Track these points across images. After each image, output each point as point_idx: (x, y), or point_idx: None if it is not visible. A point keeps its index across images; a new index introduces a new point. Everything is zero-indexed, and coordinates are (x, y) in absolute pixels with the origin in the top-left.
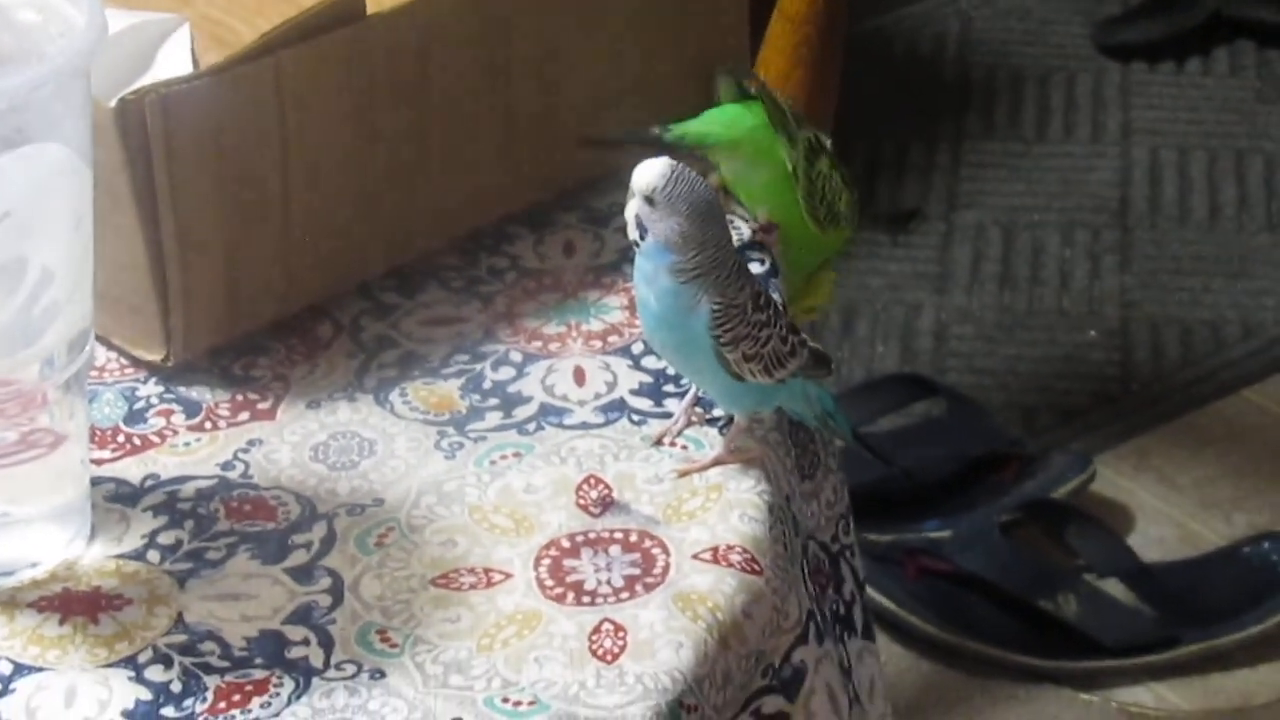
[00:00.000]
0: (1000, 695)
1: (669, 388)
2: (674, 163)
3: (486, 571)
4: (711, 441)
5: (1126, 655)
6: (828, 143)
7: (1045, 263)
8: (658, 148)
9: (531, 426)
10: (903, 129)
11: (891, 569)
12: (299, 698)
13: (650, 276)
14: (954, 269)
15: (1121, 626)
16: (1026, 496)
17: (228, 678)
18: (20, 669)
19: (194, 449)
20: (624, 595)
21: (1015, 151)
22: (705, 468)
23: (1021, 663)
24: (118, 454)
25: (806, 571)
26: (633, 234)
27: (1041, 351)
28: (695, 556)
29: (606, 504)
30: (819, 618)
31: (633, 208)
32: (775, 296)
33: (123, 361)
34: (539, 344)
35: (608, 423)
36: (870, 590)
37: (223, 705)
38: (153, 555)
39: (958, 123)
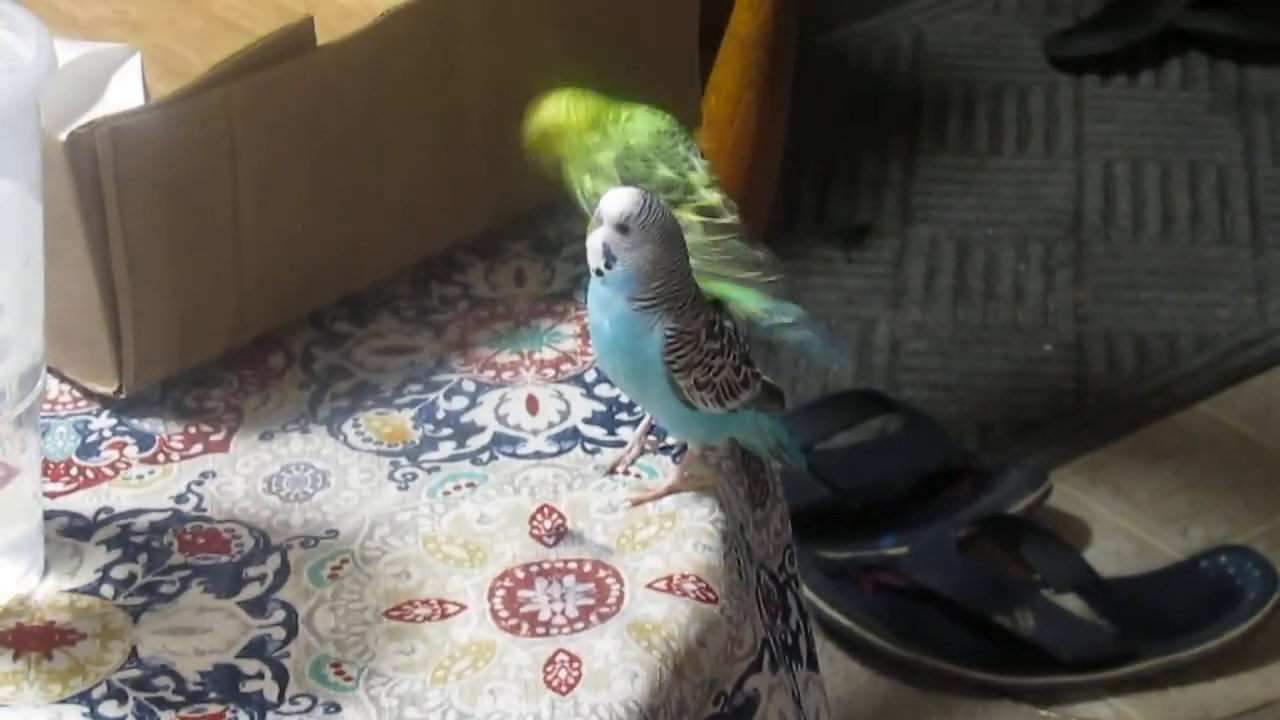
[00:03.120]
0: (958, 711)
1: (622, 416)
2: (643, 190)
3: (440, 603)
4: (665, 469)
5: (1084, 670)
6: None
7: (1000, 277)
8: None
9: (485, 456)
10: (855, 144)
11: (848, 585)
12: None
13: (606, 303)
14: (908, 284)
15: (1079, 641)
16: (982, 511)
17: (182, 712)
18: None
19: (147, 481)
20: (578, 625)
21: (969, 166)
22: (659, 495)
23: (979, 678)
24: (70, 487)
25: (760, 600)
26: (596, 261)
27: (996, 366)
28: (649, 585)
29: (560, 533)
30: (773, 646)
31: (599, 235)
32: (729, 325)
33: (75, 394)
34: (492, 373)
35: (561, 451)
36: (826, 607)
37: None
38: (106, 589)
39: (910, 137)
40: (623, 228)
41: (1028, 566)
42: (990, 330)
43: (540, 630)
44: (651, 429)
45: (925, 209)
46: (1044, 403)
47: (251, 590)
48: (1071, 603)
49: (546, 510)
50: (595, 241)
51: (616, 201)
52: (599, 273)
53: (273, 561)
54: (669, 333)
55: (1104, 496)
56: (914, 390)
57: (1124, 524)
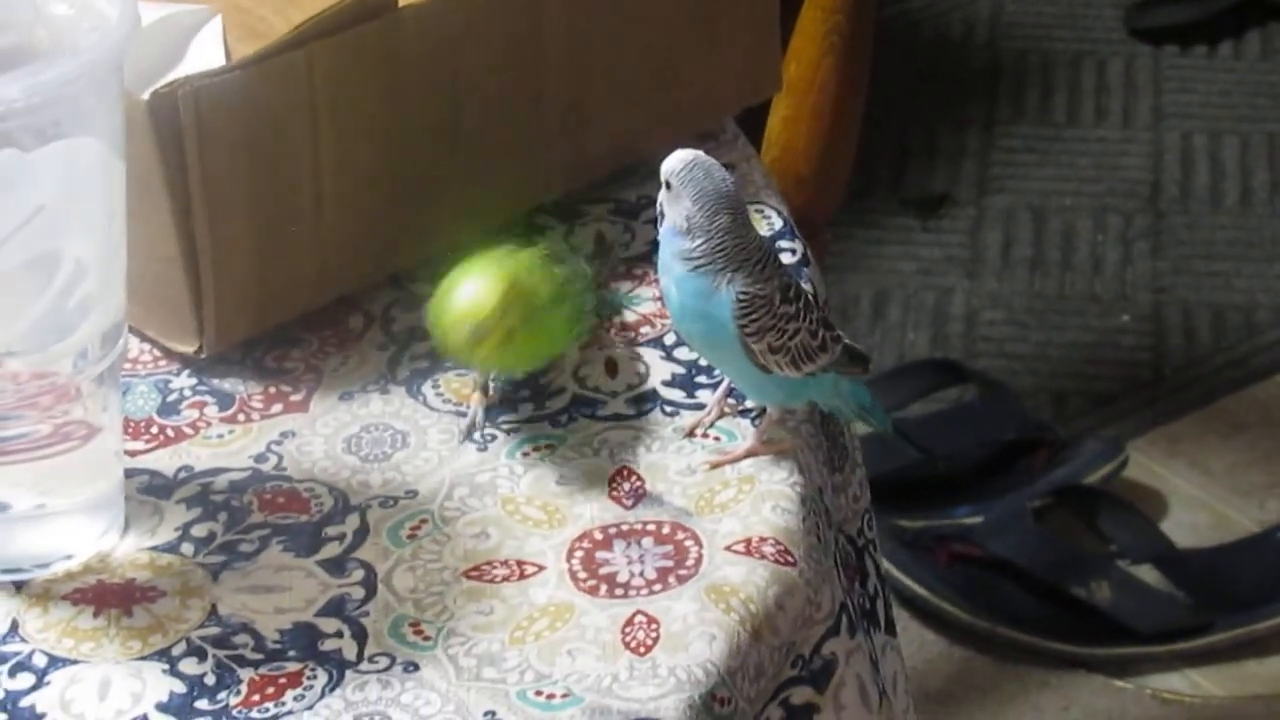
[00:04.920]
0: (1032, 682)
1: (701, 379)
2: (700, 153)
3: (519, 564)
4: (744, 433)
5: (1160, 641)
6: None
7: (1077, 248)
8: None
9: (564, 418)
10: (933, 114)
11: (923, 555)
12: (332, 690)
13: (667, 264)
14: (985, 254)
15: (1155, 612)
16: (1058, 482)
17: (261, 670)
18: (55, 661)
19: (227, 440)
20: (656, 587)
21: (1046, 136)
22: (738, 459)
23: (1054, 649)
24: (151, 445)
25: (839, 564)
26: (659, 220)
27: (1073, 337)
28: (728, 548)
29: (639, 496)
30: (851, 610)
31: (660, 195)
32: (807, 288)
33: (156, 353)
34: None
35: (640, 414)
36: (902, 576)
37: (256, 698)
38: (186, 547)
39: (988, 107)
40: (667, 184)
41: (1103, 538)
42: (1067, 301)
43: (619, 592)
44: (731, 392)
45: (1002, 179)
46: (1120, 374)
47: (330, 550)
48: (1147, 574)
49: (625, 472)
50: (658, 199)
51: (668, 160)
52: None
53: (352, 521)
54: (740, 296)
55: (1180, 468)
56: (990, 360)
57: (1200, 496)
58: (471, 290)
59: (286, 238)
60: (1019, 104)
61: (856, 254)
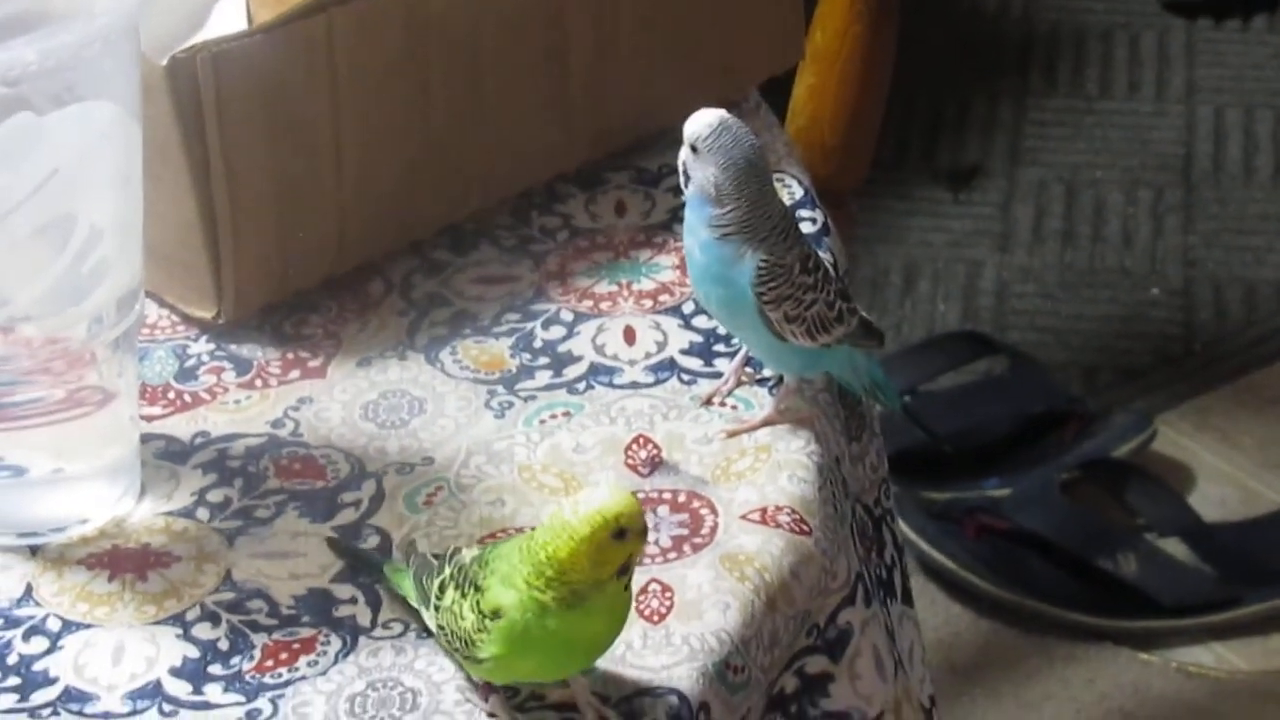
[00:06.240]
0: (1058, 654)
1: (719, 348)
2: (726, 115)
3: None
4: (761, 402)
5: (1186, 615)
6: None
7: (1108, 221)
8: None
9: (581, 386)
10: (966, 86)
11: (950, 527)
12: (346, 656)
13: (693, 228)
14: (1016, 227)
15: (1181, 586)
16: (1087, 455)
17: (275, 635)
18: (69, 625)
19: (244, 406)
20: (671, 555)
21: (1079, 109)
22: (754, 428)
23: (1080, 622)
24: (168, 411)
25: (855, 533)
26: (681, 181)
27: (1103, 310)
28: (743, 517)
29: (655, 464)
30: (867, 580)
31: (682, 154)
32: (827, 258)
33: (174, 319)
34: (590, 303)
35: (657, 382)
36: (929, 548)
37: (270, 663)
38: (202, 513)
39: (1021, 80)
40: (693, 147)
41: (1131, 511)
42: (1098, 274)
43: None
44: (748, 361)
45: (1034, 151)
46: (1151, 348)
47: (346, 516)
48: (1175, 548)
49: (642, 440)
50: (680, 160)
51: (693, 121)
52: (681, 193)
53: (368, 488)
54: (760, 264)
55: (1209, 442)
56: (1020, 334)
57: (1229, 470)
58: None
59: (306, 204)
60: (1052, 76)
61: (887, 225)
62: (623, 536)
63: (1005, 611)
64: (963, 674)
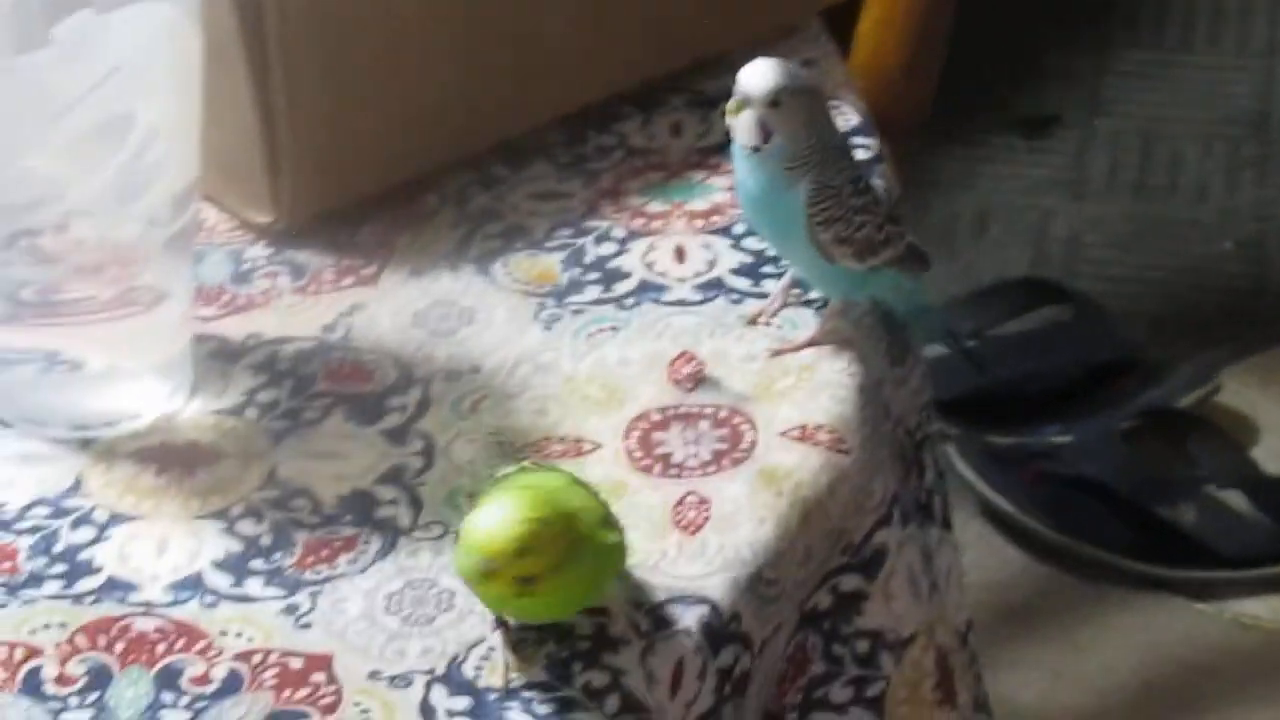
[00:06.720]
0: (1113, 601)
1: (768, 268)
2: (779, 60)
3: (577, 441)
4: (806, 323)
5: (1243, 566)
6: None
7: (1183, 173)
8: None
9: (630, 301)
10: (1045, 34)
11: (1010, 471)
12: (385, 556)
13: (755, 167)
14: (1090, 176)
15: (1239, 537)
16: (1149, 404)
17: (317, 534)
18: (115, 517)
19: (297, 310)
20: (710, 469)
21: (1158, 60)
22: (799, 348)
23: (1137, 569)
24: (222, 312)
25: (895, 456)
26: (751, 140)
27: (1174, 262)
28: (783, 434)
29: (698, 379)
30: (904, 502)
31: (750, 115)
32: (878, 183)
33: (232, 223)
34: (642, 221)
35: (705, 300)
36: (988, 490)
37: (310, 559)
38: (251, 412)
39: (1102, 29)
40: (774, 103)
41: (1192, 461)
42: (1170, 226)
43: (672, 471)
44: (796, 283)
45: (1111, 102)
46: (1219, 301)
47: (392, 420)
48: (1234, 499)
49: (686, 357)
50: (747, 121)
51: (763, 79)
52: (755, 149)
53: (415, 393)
54: (813, 186)
55: (1274, 396)
56: (1090, 283)
57: None
58: (494, 517)
59: (364, 112)
60: (1133, 27)
61: (960, 171)
62: (493, 574)
63: (1062, 556)
64: (1018, 617)
